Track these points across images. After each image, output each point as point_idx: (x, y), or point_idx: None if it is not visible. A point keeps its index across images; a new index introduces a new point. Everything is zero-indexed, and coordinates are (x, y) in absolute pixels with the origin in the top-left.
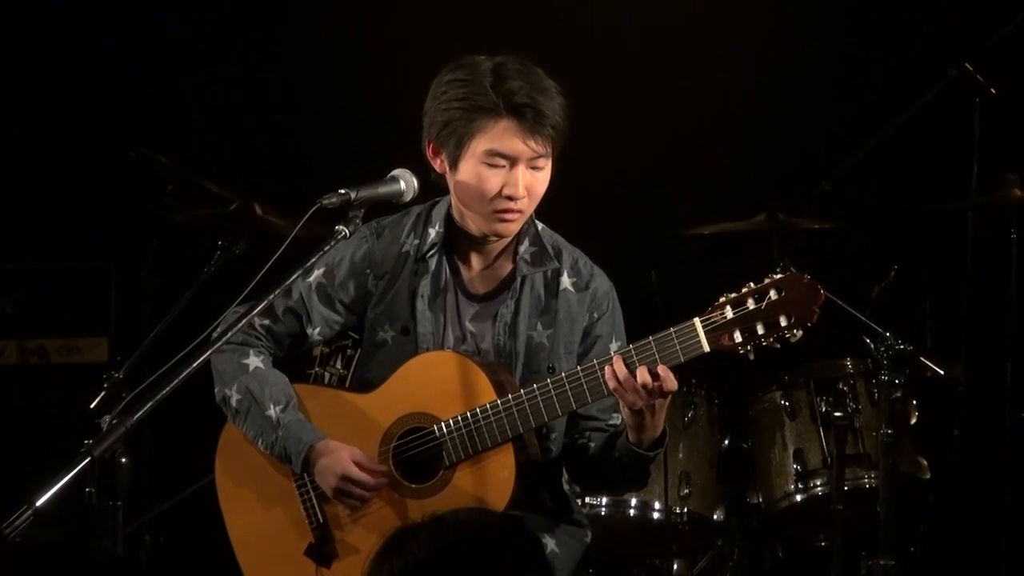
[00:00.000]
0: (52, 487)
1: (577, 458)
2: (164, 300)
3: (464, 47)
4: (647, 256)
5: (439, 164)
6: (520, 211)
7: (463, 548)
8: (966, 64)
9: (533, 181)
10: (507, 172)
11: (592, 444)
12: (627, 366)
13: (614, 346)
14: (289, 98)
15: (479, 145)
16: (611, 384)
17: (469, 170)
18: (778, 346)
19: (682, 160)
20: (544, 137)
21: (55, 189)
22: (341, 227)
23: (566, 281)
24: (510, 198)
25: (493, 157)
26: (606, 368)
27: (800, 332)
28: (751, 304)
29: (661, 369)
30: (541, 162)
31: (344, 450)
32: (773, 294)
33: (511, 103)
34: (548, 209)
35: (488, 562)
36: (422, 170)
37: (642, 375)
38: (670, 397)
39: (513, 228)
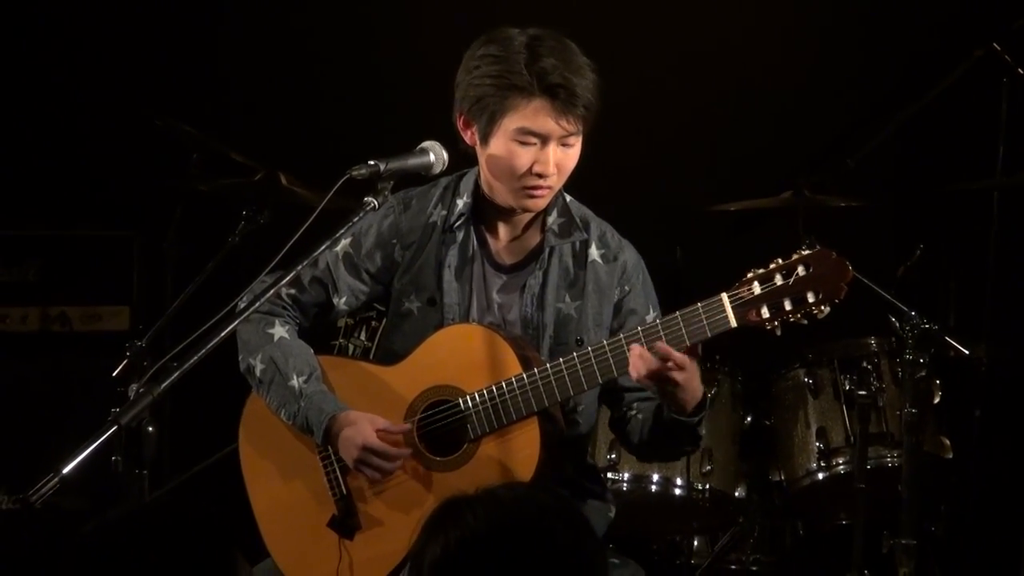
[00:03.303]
0: (79, 455)
1: (627, 432)
2: (187, 269)
3: (494, 18)
4: (672, 232)
5: (469, 136)
6: (550, 187)
7: (522, 522)
8: (994, 44)
9: (563, 158)
10: (538, 150)
11: (639, 416)
12: (654, 342)
13: (650, 317)
14: (316, 68)
15: (511, 123)
16: (634, 375)
17: (500, 146)
18: (805, 322)
19: (708, 136)
20: (576, 116)
21: (79, 157)
22: (370, 198)
23: (594, 253)
24: (540, 175)
25: (525, 135)
26: (632, 357)
27: (827, 308)
28: (779, 280)
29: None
30: (572, 140)
31: (365, 420)
32: (801, 270)
33: (545, 82)
34: (574, 184)
35: (546, 536)
36: (451, 142)
37: (658, 358)
38: (696, 365)
39: (542, 203)
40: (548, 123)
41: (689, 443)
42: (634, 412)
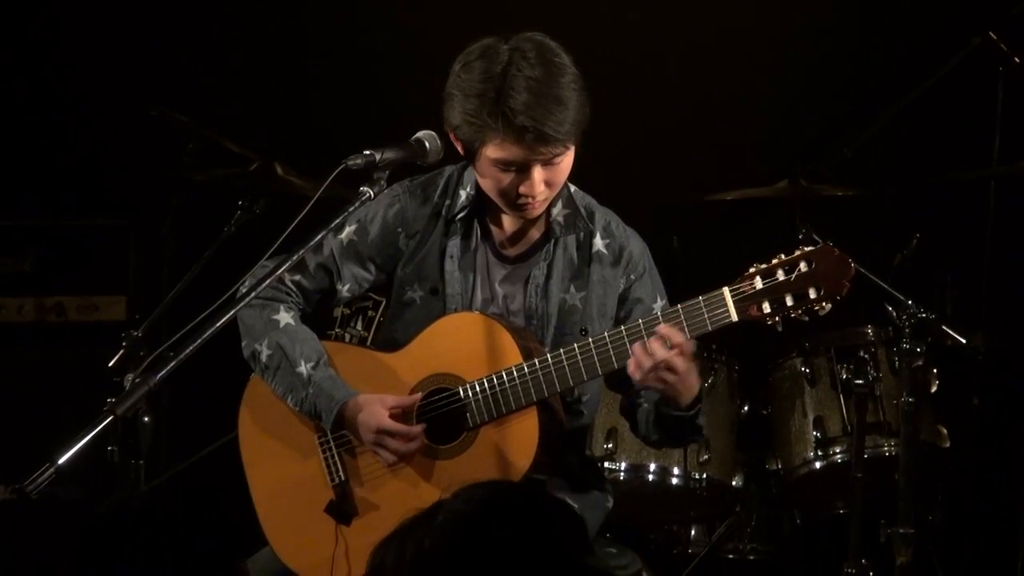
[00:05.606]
0: (75, 445)
1: (636, 421)
2: (183, 259)
3: (489, 9)
4: (668, 221)
5: (460, 149)
6: (542, 200)
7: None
8: (989, 32)
9: (552, 174)
10: (522, 175)
11: (645, 405)
12: (650, 336)
13: (657, 306)
14: (311, 58)
15: (489, 153)
16: (635, 375)
17: (485, 170)
18: (806, 318)
19: (705, 125)
20: (551, 147)
21: (75, 146)
22: (366, 188)
23: (599, 243)
24: (528, 195)
25: (505, 164)
26: (630, 360)
27: (829, 305)
28: (781, 275)
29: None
30: (557, 159)
31: (376, 403)
32: (803, 266)
33: (512, 125)
34: (570, 174)
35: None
36: (446, 132)
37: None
38: (692, 358)
39: (537, 213)
40: (524, 155)
41: (691, 434)
42: (641, 401)
